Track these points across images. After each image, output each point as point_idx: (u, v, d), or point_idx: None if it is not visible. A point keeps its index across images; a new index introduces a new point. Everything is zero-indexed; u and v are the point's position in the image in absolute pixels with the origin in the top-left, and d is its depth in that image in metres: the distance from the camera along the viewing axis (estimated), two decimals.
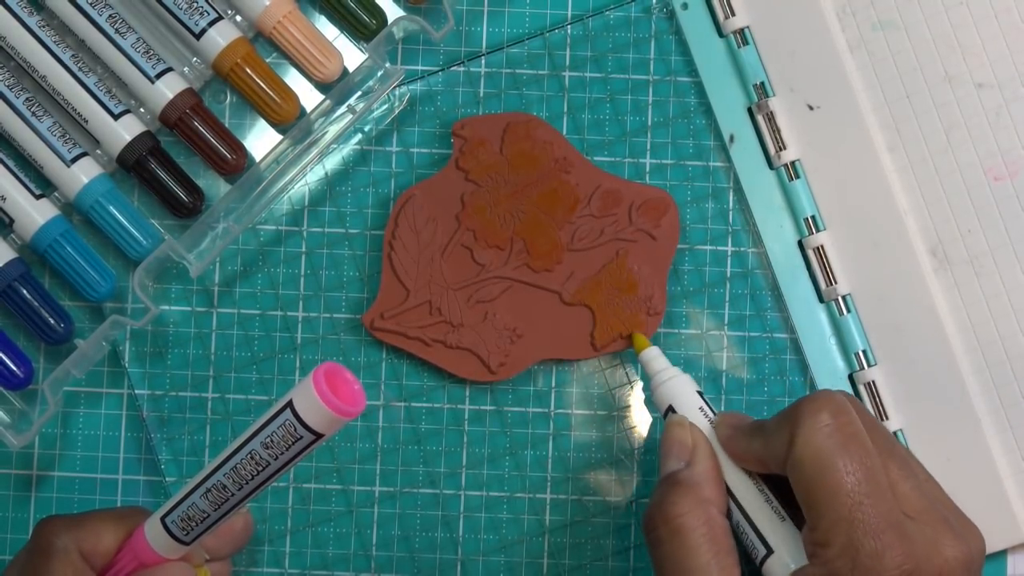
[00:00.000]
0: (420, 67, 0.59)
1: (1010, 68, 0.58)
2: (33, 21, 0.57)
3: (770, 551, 0.49)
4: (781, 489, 0.49)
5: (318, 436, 0.41)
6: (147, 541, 0.47)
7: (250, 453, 0.43)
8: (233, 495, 0.44)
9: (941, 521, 0.47)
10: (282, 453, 0.42)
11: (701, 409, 0.53)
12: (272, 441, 0.42)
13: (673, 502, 0.49)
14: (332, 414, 0.40)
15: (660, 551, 0.49)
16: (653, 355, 0.55)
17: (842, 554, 0.45)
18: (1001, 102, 0.58)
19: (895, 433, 0.58)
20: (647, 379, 0.55)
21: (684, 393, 0.53)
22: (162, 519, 0.47)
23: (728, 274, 0.59)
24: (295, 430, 0.41)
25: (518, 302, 0.58)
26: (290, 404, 0.41)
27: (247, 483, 0.43)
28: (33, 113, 0.56)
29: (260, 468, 0.43)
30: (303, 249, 0.59)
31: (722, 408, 0.58)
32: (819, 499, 0.46)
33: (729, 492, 0.51)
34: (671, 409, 0.53)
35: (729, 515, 0.50)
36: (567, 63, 0.59)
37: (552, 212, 0.58)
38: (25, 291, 0.56)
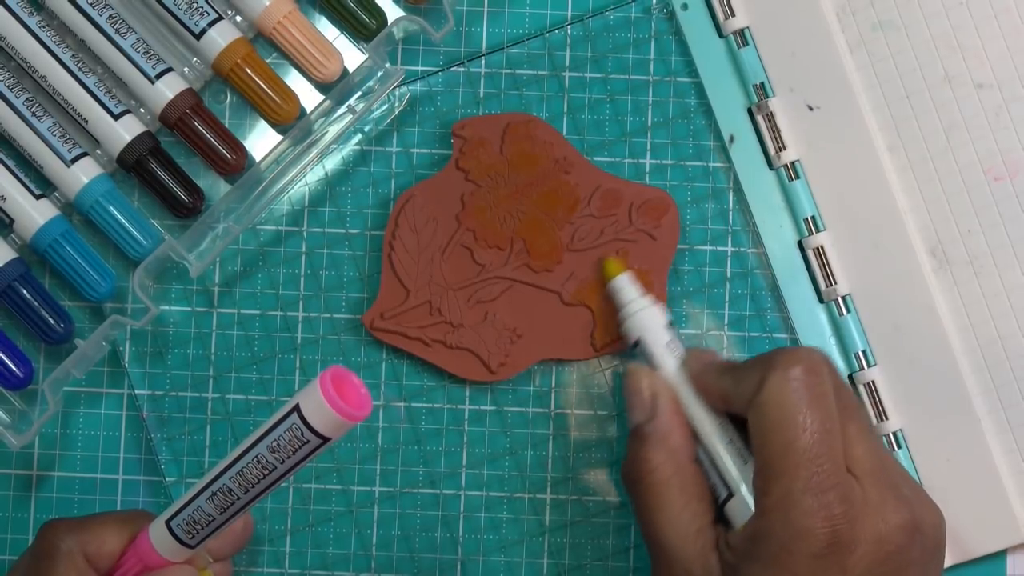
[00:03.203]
0: (420, 67, 0.59)
1: (1010, 68, 0.58)
2: (33, 21, 0.57)
3: (731, 493, 0.49)
4: (744, 434, 0.50)
5: (325, 440, 0.41)
6: (151, 544, 0.47)
7: (256, 457, 0.43)
8: (239, 499, 0.44)
9: (889, 486, 0.47)
10: (288, 457, 0.42)
11: (668, 344, 0.52)
12: (278, 445, 0.42)
13: (643, 458, 0.50)
14: (339, 418, 0.40)
15: (636, 504, 0.50)
16: (622, 284, 0.55)
17: (778, 505, 0.45)
18: (1001, 102, 0.58)
19: (895, 433, 0.58)
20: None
21: (651, 327, 0.53)
22: (167, 522, 0.47)
23: (728, 274, 0.59)
24: (302, 434, 0.41)
25: (518, 302, 0.58)
26: (297, 408, 0.41)
27: (253, 487, 0.43)
28: (33, 113, 0.56)
29: (266, 472, 0.43)
30: (303, 249, 0.59)
31: None
32: (771, 448, 0.46)
33: (694, 433, 0.51)
34: (637, 344, 0.53)
35: (698, 457, 0.50)
36: (567, 63, 0.59)
37: (552, 212, 0.58)
38: (25, 291, 0.56)
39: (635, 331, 0.53)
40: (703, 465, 0.50)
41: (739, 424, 0.50)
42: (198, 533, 0.46)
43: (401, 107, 0.59)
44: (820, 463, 0.46)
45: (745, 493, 0.49)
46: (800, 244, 0.59)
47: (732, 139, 0.59)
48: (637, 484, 0.50)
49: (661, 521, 0.49)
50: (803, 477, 0.45)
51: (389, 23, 0.57)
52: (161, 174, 0.57)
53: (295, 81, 0.58)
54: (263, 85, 0.57)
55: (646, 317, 0.53)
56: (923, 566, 0.47)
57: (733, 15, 0.58)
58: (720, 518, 0.50)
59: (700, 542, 0.48)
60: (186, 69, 0.58)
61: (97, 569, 0.48)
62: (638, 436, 0.51)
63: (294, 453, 0.42)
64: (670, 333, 0.53)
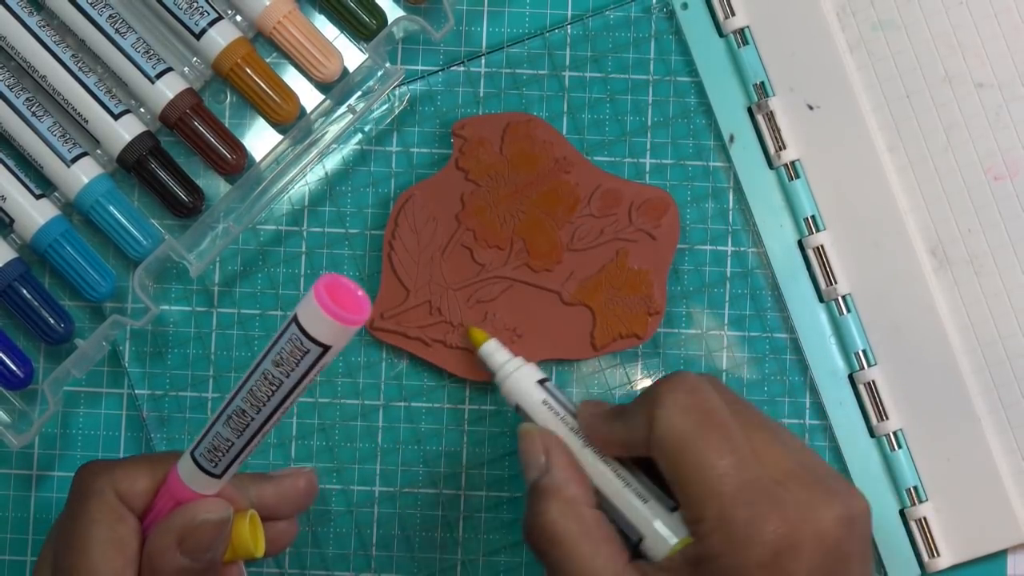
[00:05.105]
0: (420, 67, 0.59)
1: (1010, 68, 0.58)
2: (33, 21, 0.57)
3: (641, 537, 0.48)
4: (655, 472, 0.49)
5: (325, 348, 0.41)
6: (180, 479, 0.47)
7: (263, 374, 0.43)
8: (253, 419, 0.44)
9: (814, 483, 0.46)
10: (292, 370, 0.42)
11: (545, 403, 0.52)
12: (281, 358, 0.42)
13: (541, 512, 0.49)
14: (336, 323, 0.41)
15: (545, 560, 0.49)
16: (491, 350, 0.54)
17: (716, 528, 0.45)
18: (1001, 102, 0.58)
19: (895, 433, 0.58)
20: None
21: (525, 389, 0.52)
22: (191, 453, 0.47)
23: (728, 274, 0.59)
24: (301, 344, 0.41)
25: (518, 302, 0.58)
26: (295, 319, 0.41)
27: (264, 405, 0.44)
28: (33, 113, 0.56)
29: (274, 388, 0.43)
30: (303, 249, 0.59)
31: None
32: (685, 476, 0.46)
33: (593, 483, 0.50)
34: (519, 408, 0.52)
35: (601, 504, 0.50)
36: (567, 63, 0.59)
37: (552, 212, 0.58)
38: (25, 291, 0.56)
39: (512, 396, 0.53)
40: (609, 512, 0.49)
41: (648, 464, 0.49)
42: (220, 460, 0.46)
43: (401, 107, 0.59)
44: (737, 474, 0.45)
45: (659, 527, 0.48)
46: (800, 243, 0.59)
47: (732, 138, 0.59)
48: (542, 540, 0.48)
49: (575, 572, 0.48)
50: (728, 494, 0.45)
51: (389, 23, 0.57)
52: (161, 174, 0.57)
53: (295, 81, 0.58)
54: (263, 85, 0.57)
55: (517, 379, 0.53)
56: (861, 555, 0.47)
57: (733, 14, 0.58)
58: (637, 555, 0.49)
59: None
60: (186, 69, 0.58)
61: (131, 508, 0.48)
62: (534, 492, 0.50)
63: (297, 364, 0.42)
64: (544, 391, 0.52)
